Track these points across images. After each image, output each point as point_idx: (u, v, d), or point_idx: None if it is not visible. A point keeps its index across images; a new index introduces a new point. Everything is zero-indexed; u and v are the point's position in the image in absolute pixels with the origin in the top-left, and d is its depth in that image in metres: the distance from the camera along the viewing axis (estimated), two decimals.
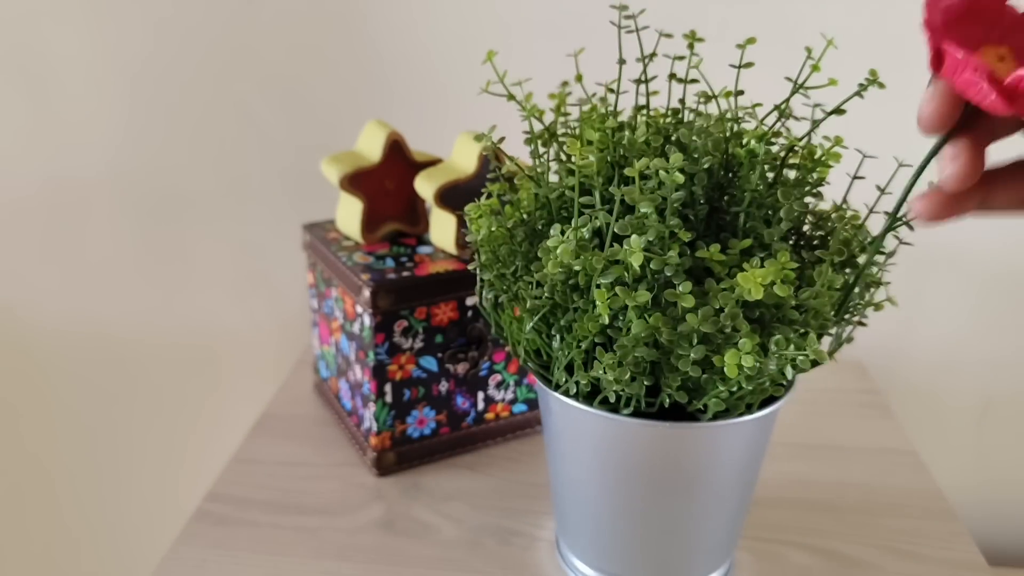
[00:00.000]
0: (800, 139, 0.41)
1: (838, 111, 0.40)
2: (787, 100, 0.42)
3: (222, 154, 0.85)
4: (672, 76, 0.44)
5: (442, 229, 0.61)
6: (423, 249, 0.63)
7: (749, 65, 0.42)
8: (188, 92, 0.83)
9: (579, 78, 0.45)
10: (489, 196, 0.45)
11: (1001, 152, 0.33)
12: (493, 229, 0.43)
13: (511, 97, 0.43)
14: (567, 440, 0.46)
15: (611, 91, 0.44)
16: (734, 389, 0.39)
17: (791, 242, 0.44)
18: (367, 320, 0.57)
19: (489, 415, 0.65)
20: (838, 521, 0.58)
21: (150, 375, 0.96)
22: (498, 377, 0.64)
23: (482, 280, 0.47)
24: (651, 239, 0.37)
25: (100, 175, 0.87)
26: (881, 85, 0.39)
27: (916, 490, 0.61)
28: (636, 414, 0.42)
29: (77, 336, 0.94)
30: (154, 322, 0.93)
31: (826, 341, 0.45)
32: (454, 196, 0.60)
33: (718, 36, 0.47)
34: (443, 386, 0.62)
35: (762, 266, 0.37)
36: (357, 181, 0.62)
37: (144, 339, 0.94)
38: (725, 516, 0.47)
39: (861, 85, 0.39)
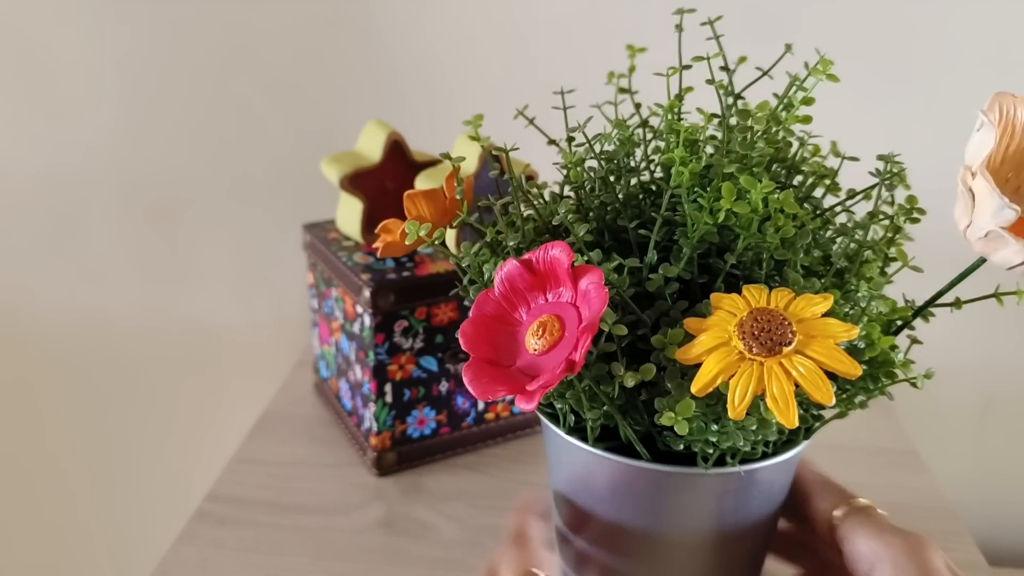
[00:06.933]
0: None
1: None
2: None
3: (222, 154, 0.85)
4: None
5: None
6: (423, 249, 0.63)
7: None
8: (189, 91, 0.83)
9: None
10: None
11: None
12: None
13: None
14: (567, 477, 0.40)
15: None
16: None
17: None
18: (367, 320, 0.57)
19: (489, 415, 0.65)
20: None
21: (150, 375, 0.96)
22: None
23: None
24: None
25: (101, 175, 0.87)
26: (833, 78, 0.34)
27: (916, 490, 0.61)
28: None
29: (76, 335, 0.94)
30: (154, 322, 0.93)
31: None
32: None
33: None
34: (443, 386, 0.62)
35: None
36: (357, 181, 0.62)
37: (144, 339, 0.94)
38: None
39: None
